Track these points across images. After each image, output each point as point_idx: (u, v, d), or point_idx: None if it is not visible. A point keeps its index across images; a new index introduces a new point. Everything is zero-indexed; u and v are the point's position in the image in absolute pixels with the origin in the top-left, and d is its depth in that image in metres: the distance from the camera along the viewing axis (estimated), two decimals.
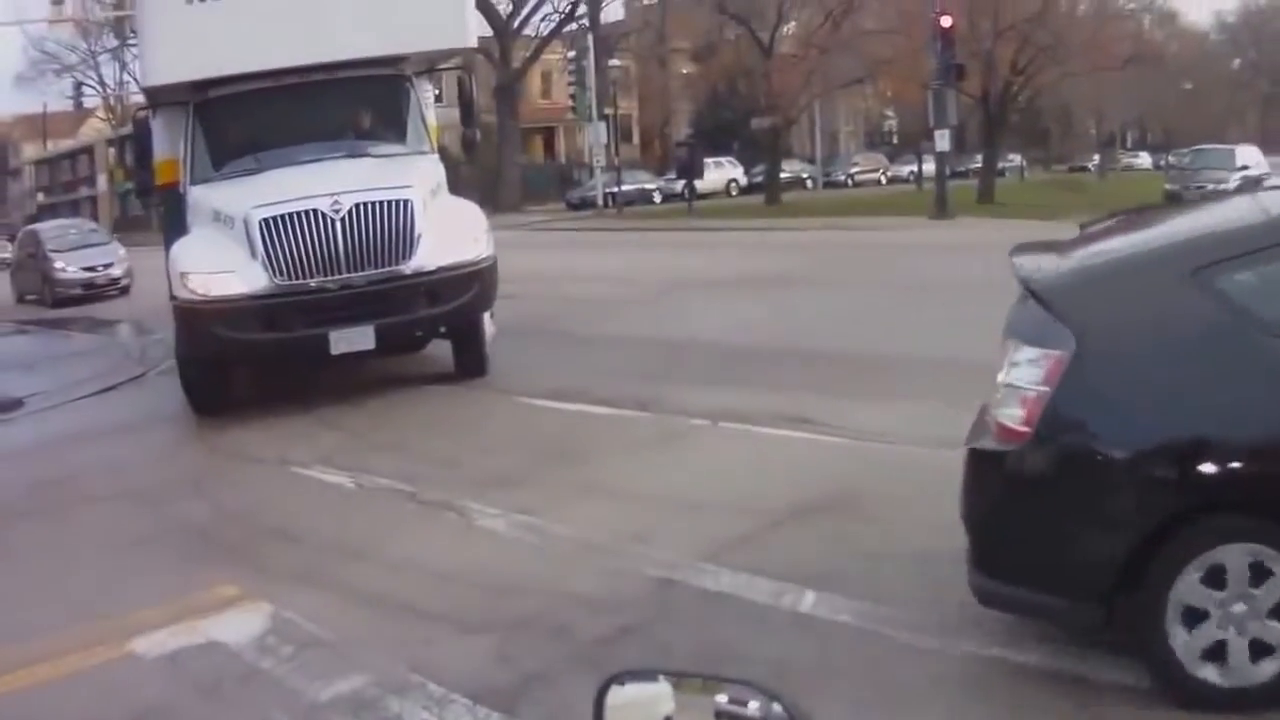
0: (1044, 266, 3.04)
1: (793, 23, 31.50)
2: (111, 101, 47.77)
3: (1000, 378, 2.86)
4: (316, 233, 6.74)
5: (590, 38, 32.13)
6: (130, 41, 38.44)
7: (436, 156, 7.89)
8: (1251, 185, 22.16)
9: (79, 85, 43.60)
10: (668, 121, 44.59)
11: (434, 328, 7.41)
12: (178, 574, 4.34)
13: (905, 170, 39.73)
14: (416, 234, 6.86)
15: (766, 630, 3.37)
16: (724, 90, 36.77)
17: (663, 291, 12.23)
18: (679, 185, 33.01)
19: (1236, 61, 50.60)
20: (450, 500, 4.95)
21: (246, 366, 7.59)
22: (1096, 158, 42.68)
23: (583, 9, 34.38)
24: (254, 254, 6.73)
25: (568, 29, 36.22)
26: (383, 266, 6.82)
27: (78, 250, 18.71)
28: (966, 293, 11.00)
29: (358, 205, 6.78)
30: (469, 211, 7.58)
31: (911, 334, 8.51)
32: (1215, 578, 2.63)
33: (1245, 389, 2.66)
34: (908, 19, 25.61)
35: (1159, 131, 50.35)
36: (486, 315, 7.50)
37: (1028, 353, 2.79)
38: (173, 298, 7.09)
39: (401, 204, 6.86)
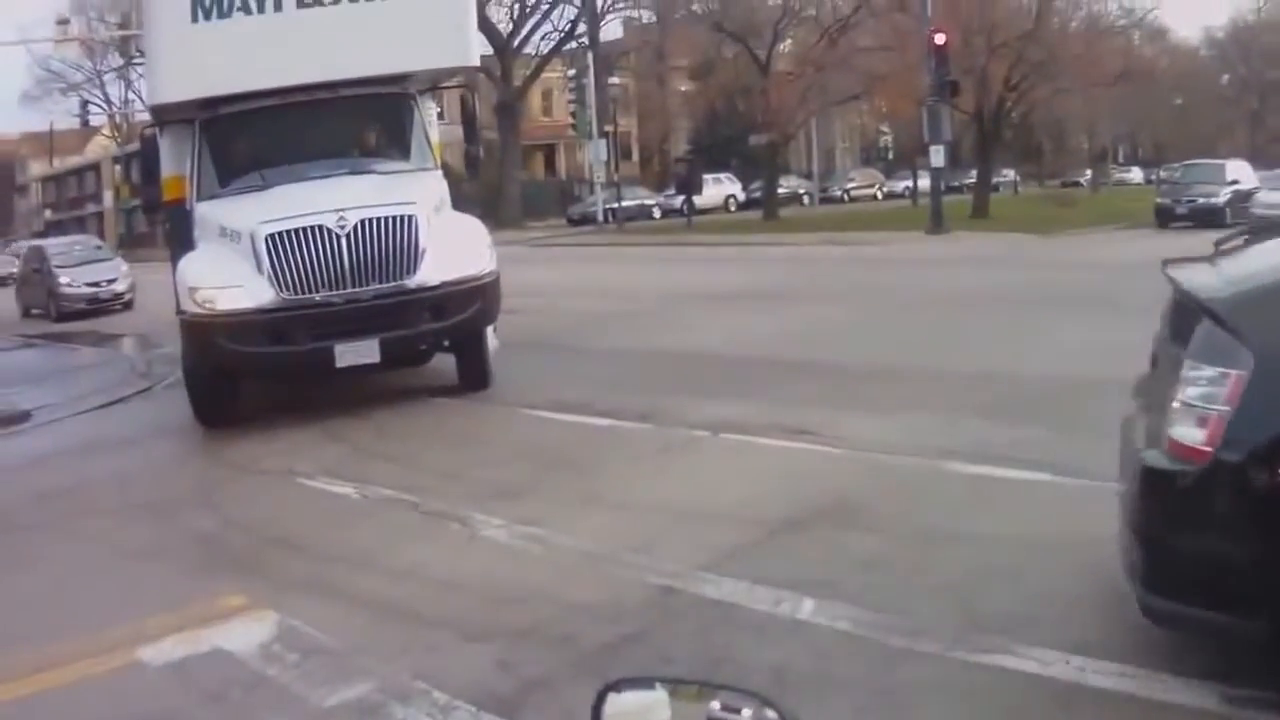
0: (1212, 283, 3.00)
1: (789, 40, 31.81)
2: (117, 119, 48.05)
3: (1175, 396, 2.81)
4: (322, 248, 6.82)
5: (590, 56, 32.38)
6: (135, 60, 38.80)
7: (440, 173, 7.97)
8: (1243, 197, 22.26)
9: (85, 103, 43.95)
10: (667, 138, 44.88)
11: (438, 341, 7.49)
12: (185, 583, 4.38)
13: (901, 185, 39.99)
14: (421, 249, 6.93)
15: (766, 637, 3.41)
16: (722, 107, 37.09)
17: (663, 305, 12.32)
18: (678, 201, 33.25)
19: (1226, 77, 50.92)
20: (453, 510, 4.99)
21: (253, 379, 7.64)
22: (1089, 173, 42.89)
23: (582, 28, 34.67)
24: (260, 269, 6.80)
25: (567, 48, 36.54)
26: (387, 281, 6.89)
27: (82, 266, 18.92)
28: (962, 305, 11.11)
29: (363, 221, 6.87)
30: (472, 227, 7.66)
31: (908, 346, 8.59)
32: None
33: None
34: (902, 36, 25.85)
35: (1150, 147, 50.68)
36: (489, 329, 7.56)
37: (1206, 372, 2.76)
38: (180, 312, 7.15)
39: (406, 220, 6.94)
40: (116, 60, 44.92)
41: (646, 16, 38.54)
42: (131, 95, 44.78)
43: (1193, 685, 2.87)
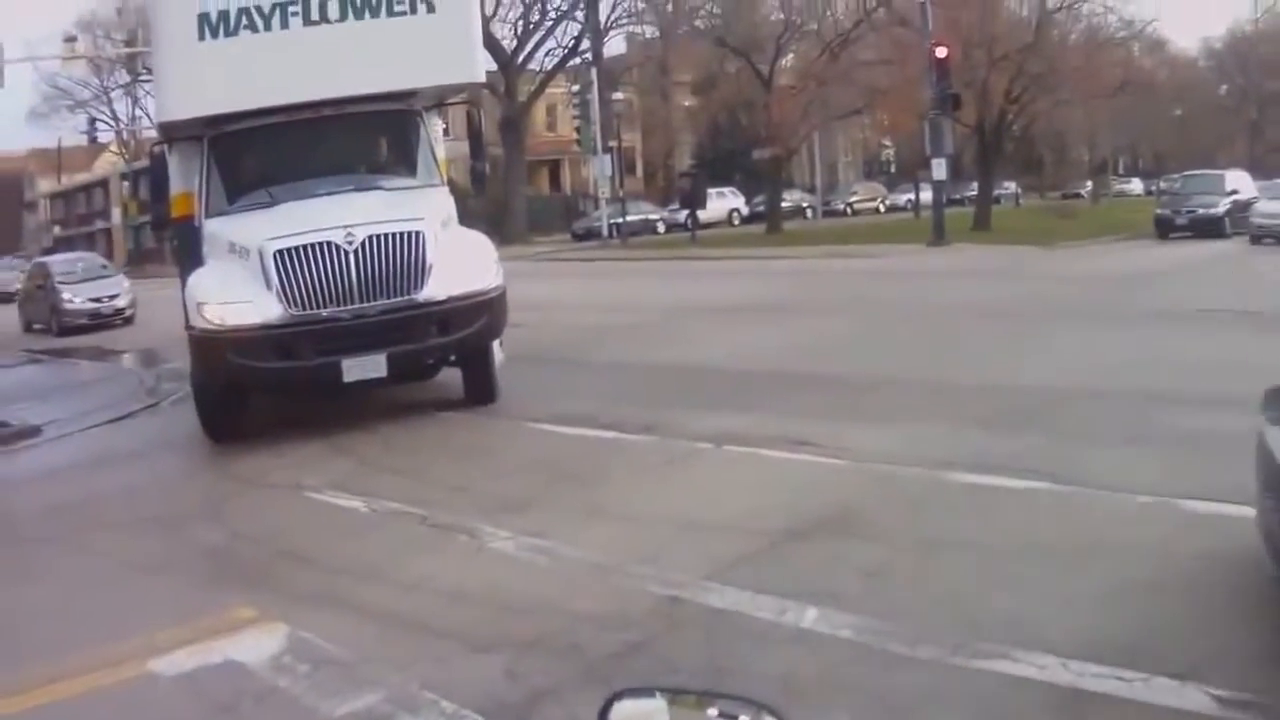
0: None
1: (791, 55, 31.99)
2: (125, 136, 48.37)
3: None
4: (330, 264, 6.88)
5: (594, 72, 32.53)
6: (142, 77, 39.10)
7: (446, 189, 8.01)
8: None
9: (93, 120, 44.28)
10: (670, 153, 45.03)
11: (445, 356, 7.52)
12: (195, 596, 4.42)
13: (903, 199, 40.10)
14: (428, 265, 6.99)
15: (770, 646, 3.45)
16: (725, 122, 37.24)
17: (667, 319, 12.37)
18: (682, 215, 33.33)
19: (1224, 88, 51.04)
20: (461, 523, 5.03)
21: (261, 394, 7.68)
22: (1089, 184, 42.98)
23: (586, 44, 34.88)
24: (269, 285, 6.86)
25: (571, 64, 36.72)
26: (395, 296, 6.94)
27: (85, 282, 19.11)
28: (962, 317, 11.16)
29: (371, 237, 6.92)
30: (479, 242, 7.70)
31: (909, 358, 8.63)
32: None
33: None
34: (904, 50, 26.00)
35: (1150, 158, 50.75)
36: (496, 343, 7.60)
37: None
38: (189, 327, 7.19)
39: (413, 235, 7.00)
40: (124, 77, 45.26)
41: (650, 32, 38.79)
42: (139, 112, 45.14)
43: (1188, 689, 2.91)
